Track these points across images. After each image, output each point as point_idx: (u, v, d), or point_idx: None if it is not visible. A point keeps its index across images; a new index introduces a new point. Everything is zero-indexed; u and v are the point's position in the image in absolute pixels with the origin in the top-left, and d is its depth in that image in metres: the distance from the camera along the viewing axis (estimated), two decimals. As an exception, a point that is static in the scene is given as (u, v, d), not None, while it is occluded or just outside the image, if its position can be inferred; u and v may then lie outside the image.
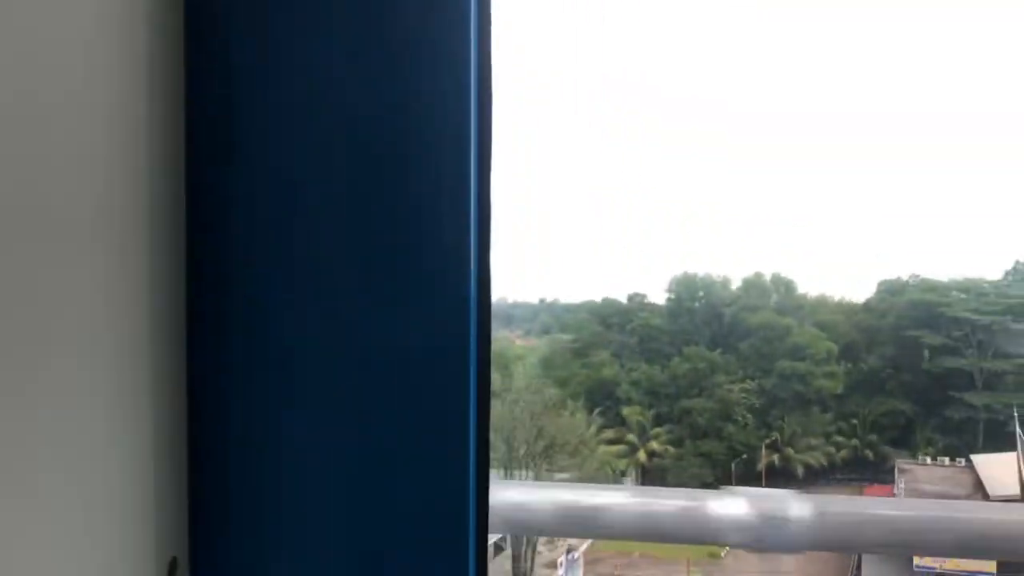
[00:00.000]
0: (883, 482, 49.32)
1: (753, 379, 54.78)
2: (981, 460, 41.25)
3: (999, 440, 51.61)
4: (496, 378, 70.42)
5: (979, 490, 37.08)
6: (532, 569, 27.39)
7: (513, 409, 41.91)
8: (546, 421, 38.50)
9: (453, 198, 1.34)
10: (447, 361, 1.31)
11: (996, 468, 38.48)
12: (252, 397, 1.39)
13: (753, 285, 63.28)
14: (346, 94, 1.40)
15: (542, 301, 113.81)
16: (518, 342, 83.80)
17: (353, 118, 1.39)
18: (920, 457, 45.79)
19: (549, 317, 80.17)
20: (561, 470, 43.36)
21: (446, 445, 1.31)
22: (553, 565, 28.09)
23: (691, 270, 65.72)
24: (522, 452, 38.27)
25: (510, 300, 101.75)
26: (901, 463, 45.07)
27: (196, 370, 1.39)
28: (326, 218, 1.39)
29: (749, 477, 50.93)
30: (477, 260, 1.33)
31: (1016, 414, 37.94)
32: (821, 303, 64.39)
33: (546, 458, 40.59)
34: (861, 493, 50.25)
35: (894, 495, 37.79)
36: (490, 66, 1.41)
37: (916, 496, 36.54)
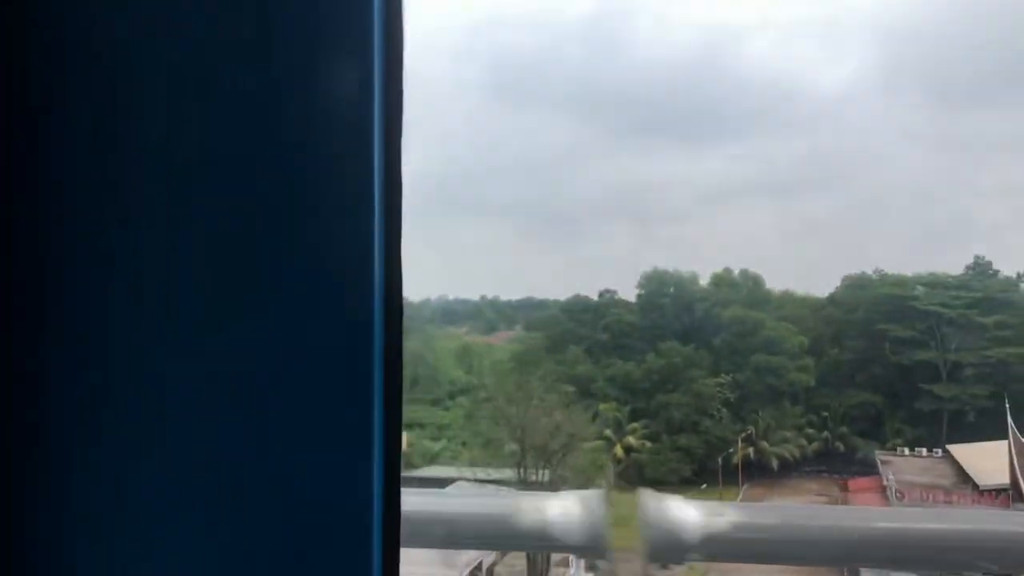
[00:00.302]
0: (863, 475, 50.24)
1: (728, 373, 55.30)
2: (960, 450, 42.16)
3: (963, 430, 53.19)
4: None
5: (964, 480, 37.89)
6: (548, 569, 27.29)
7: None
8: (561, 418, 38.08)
9: (354, 187, 1.25)
10: (348, 362, 1.23)
11: (978, 458, 39.36)
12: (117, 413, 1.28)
13: (722, 281, 63.98)
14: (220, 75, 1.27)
15: (483, 298, 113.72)
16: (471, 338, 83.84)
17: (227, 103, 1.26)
18: (897, 449, 46.66)
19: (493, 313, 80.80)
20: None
21: (344, 451, 1.22)
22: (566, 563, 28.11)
23: (660, 265, 66.36)
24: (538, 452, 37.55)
25: (451, 296, 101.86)
26: (881, 455, 45.91)
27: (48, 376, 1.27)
28: (209, 209, 1.28)
29: (725, 471, 51.59)
30: (384, 254, 1.25)
31: (1008, 405, 38.73)
32: (787, 298, 65.44)
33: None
34: (838, 485, 51.13)
35: (884, 487, 38.36)
36: (401, 46, 1.31)
37: (906, 487, 37.20)
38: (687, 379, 54.54)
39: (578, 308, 68.15)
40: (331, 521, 1.22)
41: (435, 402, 70.69)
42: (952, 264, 64.21)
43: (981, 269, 61.16)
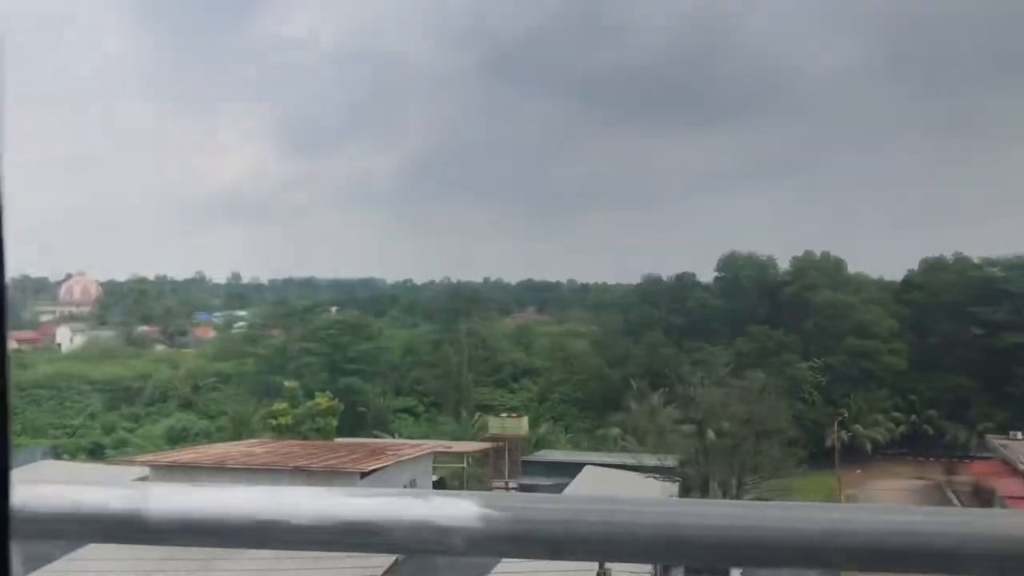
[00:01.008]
0: (966, 459, 50.15)
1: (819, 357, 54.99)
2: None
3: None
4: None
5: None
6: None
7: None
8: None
9: None
10: None
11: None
12: None
13: (805, 264, 63.59)
14: None
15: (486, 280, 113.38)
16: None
17: None
18: (1009, 433, 46.33)
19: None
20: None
21: None
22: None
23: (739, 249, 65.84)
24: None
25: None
26: (996, 440, 45.69)
27: None
28: None
29: (819, 455, 51.36)
30: None
31: None
32: (863, 281, 65.18)
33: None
34: (943, 468, 50.81)
35: (1017, 470, 38.00)
36: None
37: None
38: (780, 363, 54.14)
39: (654, 290, 67.71)
40: None
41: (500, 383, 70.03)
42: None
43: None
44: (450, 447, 37.25)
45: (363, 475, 27.61)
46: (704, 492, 33.79)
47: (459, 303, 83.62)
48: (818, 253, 63.98)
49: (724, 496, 32.71)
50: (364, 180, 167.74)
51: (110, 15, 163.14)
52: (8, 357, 0.98)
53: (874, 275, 66.67)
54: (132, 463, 28.44)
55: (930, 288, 60.87)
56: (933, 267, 64.25)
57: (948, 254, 64.37)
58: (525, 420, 42.70)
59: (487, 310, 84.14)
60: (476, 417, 54.79)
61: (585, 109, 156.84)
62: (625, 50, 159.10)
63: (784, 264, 65.11)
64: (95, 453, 54.93)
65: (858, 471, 51.71)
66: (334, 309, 79.06)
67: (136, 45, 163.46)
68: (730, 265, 66.07)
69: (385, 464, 29.51)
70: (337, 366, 60.74)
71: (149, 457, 30.10)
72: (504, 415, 43.22)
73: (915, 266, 65.99)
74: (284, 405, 43.83)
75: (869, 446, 53.98)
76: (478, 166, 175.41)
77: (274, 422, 42.55)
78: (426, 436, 49.65)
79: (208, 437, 55.15)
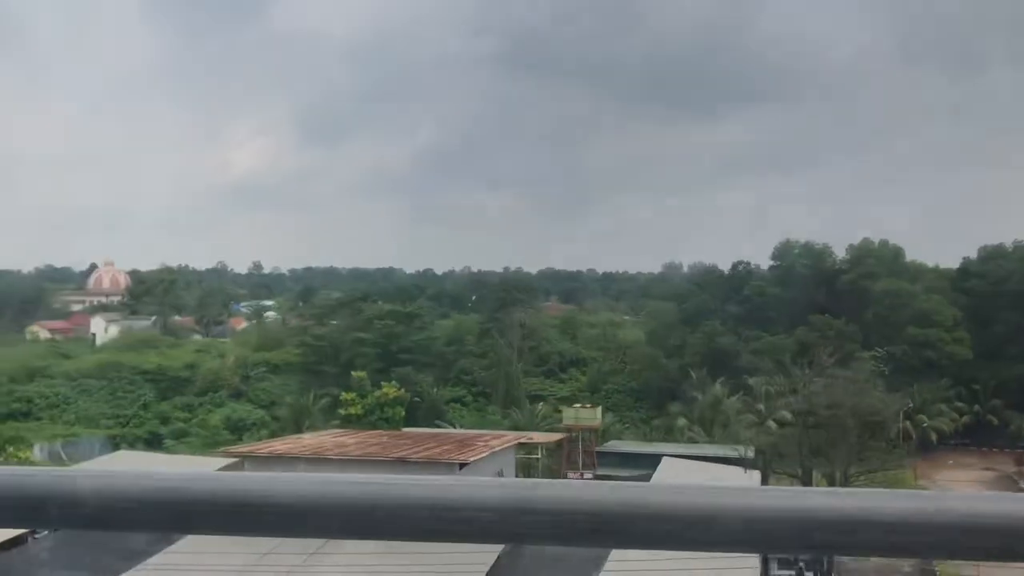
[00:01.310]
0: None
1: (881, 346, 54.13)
2: None
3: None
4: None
5: None
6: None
7: None
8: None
9: None
10: None
11: None
12: None
13: (862, 252, 62.76)
14: None
15: (506, 269, 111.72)
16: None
17: None
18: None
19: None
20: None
21: None
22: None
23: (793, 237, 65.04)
24: None
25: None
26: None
27: None
28: None
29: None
30: None
31: None
32: (920, 269, 64.36)
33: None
34: (1014, 459, 50.12)
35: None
36: None
37: None
38: (842, 353, 53.33)
39: (710, 278, 67.13)
40: None
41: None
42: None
43: None
44: (531, 438, 36.89)
45: (461, 466, 27.33)
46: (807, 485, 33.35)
47: (497, 293, 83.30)
48: (876, 240, 63.22)
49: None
50: (380, 170, 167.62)
51: (130, 10, 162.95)
52: None
53: (929, 263, 65.88)
54: (227, 454, 28.24)
55: (990, 276, 59.97)
56: (992, 255, 63.34)
57: (1008, 242, 63.46)
58: (599, 411, 42.27)
59: (535, 298, 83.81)
60: (539, 407, 54.42)
61: (604, 96, 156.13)
62: (646, 36, 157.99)
63: (840, 252, 64.33)
64: (153, 443, 54.94)
65: (922, 463, 51.03)
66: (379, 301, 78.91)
67: (155, 38, 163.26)
68: (785, 253, 65.38)
69: (482, 455, 29.22)
70: (392, 356, 60.52)
71: (244, 448, 29.94)
72: (577, 405, 42.81)
73: (970, 253, 65.09)
74: (352, 395, 43.66)
75: (934, 436, 53.26)
76: (495, 155, 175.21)
77: (343, 412, 42.44)
78: (479, 426, 49.38)
79: (266, 427, 55.12)
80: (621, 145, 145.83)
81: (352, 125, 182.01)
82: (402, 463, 26.92)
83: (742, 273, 67.27)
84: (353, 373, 49.97)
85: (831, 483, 33.14)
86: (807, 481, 33.42)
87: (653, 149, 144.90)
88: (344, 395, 43.85)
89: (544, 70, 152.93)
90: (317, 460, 27.02)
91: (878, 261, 61.30)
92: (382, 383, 45.67)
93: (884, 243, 63.38)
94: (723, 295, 64.87)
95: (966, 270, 63.83)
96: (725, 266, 69.87)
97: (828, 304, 59.75)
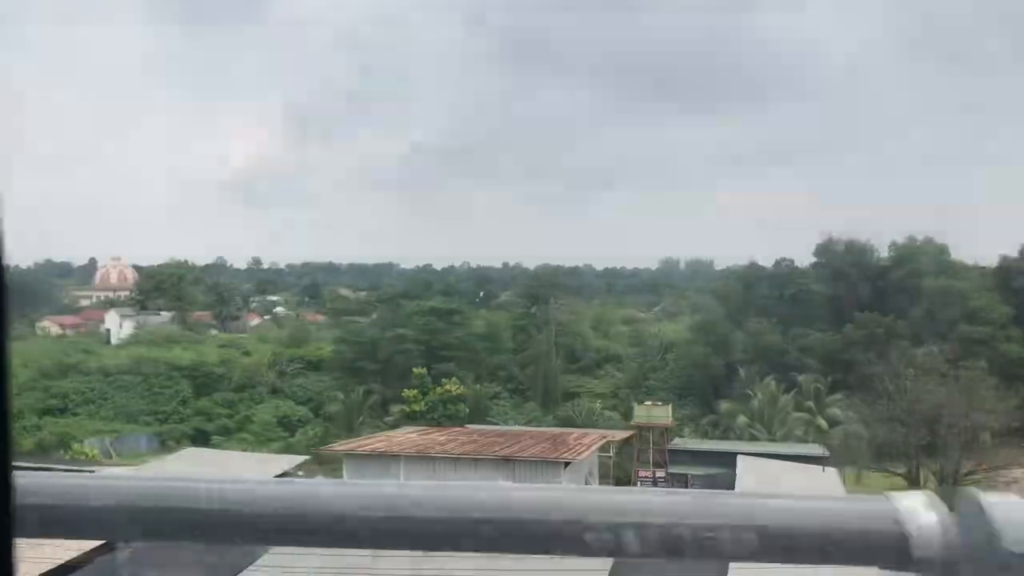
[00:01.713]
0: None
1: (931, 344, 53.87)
2: None
3: None
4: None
5: None
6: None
7: None
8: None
9: None
10: None
11: None
12: None
13: (907, 250, 62.54)
14: None
15: (506, 265, 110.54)
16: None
17: None
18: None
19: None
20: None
21: None
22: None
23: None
24: None
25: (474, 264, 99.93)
26: None
27: None
28: None
29: (937, 443, 50.48)
30: None
31: None
32: (962, 267, 64.09)
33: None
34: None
35: None
36: None
37: None
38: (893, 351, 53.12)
39: (754, 276, 66.81)
40: None
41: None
42: None
43: None
44: (614, 436, 36.59)
45: (566, 465, 27.01)
46: (915, 484, 33.10)
47: (530, 288, 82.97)
48: (920, 238, 63.01)
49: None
50: (377, 165, 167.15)
51: (127, 4, 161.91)
52: (8, 353, 0.95)
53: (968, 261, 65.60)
54: (326, 451, 27.82)
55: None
56: (1032, 251, 63.12)
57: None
58: (670, 408, 41.92)
59: (575, 294, 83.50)
60: (582, 404, 54.11)
61: (602, 92, 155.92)
62: (645, 31, 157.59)
63: (882, 250, 64.10)
64: (198, 440, 54.44)
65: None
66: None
67: (152, 33, 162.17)
68: (828, 250, 65.10)
69: (582, 454, 28.92)
70: (434, 353, 60.08)
71: (342, 447, 29.52)
72: (649, 403, 42.48)
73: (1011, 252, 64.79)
74: (414, 392, 43.29)
75: (989, 435, 53.00)
76: (492, 150, 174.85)
77: (406, 409, 42.07)
78: (523, 423, 49.05)
79: (312, 424, 54.69)
80: (617, 140, 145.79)
81: (347, 120, 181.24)
82: (507, 461, 26.56)
83: (785, 270, 67.02)
84: (414, 370, 49.52)
85: (941, 481, 32.91)
86: (915, 479, 33.20)
87: (651, 146, 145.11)
88: (405, 392, 43.49)
89: (543, 64, 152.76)
90: (420, 458, 26.64)
91: (925, 259, 61.08)
92: (443, 380, 45.28)
93: (929, 240, 63.17)
94: (765, 292, 64.59)
95: (1009, 268, 63.59)
96: (723, 265, 69.65)
97: (874, 301, 59.51)
